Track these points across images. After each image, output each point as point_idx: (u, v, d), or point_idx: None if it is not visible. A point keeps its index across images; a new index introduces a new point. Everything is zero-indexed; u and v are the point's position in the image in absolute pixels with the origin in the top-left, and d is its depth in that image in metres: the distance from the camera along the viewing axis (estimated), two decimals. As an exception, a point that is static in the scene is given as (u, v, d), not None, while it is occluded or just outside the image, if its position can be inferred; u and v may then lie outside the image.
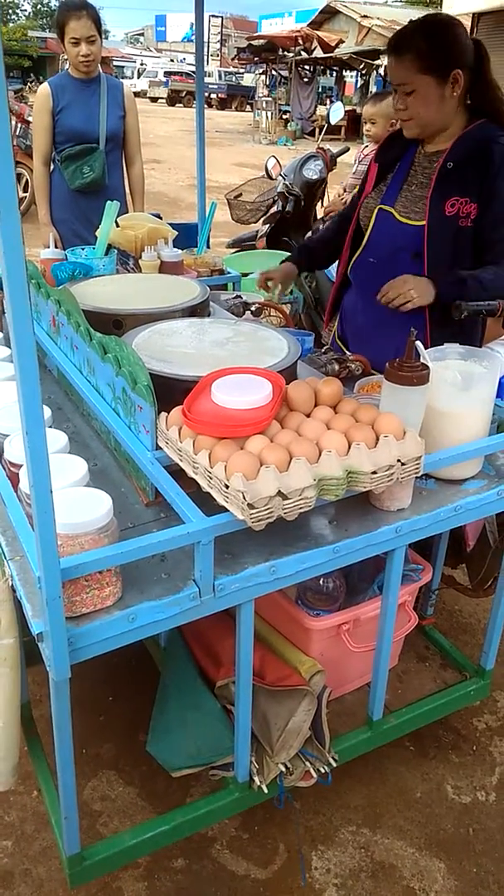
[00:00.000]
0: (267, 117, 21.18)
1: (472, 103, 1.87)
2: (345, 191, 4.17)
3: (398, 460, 1.31)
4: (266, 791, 1.57)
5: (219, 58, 42.52)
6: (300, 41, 20.82)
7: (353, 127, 18.03)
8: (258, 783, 1.56)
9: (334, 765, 1.64)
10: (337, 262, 2.26)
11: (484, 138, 1.81)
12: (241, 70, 34.01)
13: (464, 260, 1.84)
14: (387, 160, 2.01)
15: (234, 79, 33.85)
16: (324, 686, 1.59)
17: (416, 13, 18.83)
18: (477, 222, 1.81)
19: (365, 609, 1.71)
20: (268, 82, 24.37)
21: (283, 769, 1.58)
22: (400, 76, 1.79)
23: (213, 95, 30.74)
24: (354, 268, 2.07)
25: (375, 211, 1.97)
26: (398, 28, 1.95)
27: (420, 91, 1.78)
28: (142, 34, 64.44)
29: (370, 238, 2.00)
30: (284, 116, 21.98)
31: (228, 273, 2.70)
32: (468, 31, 1.97)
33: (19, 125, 7.72)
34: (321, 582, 1.69)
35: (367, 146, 3.86)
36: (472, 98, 1.86)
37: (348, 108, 16.32)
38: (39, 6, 46.71)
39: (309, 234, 4.03)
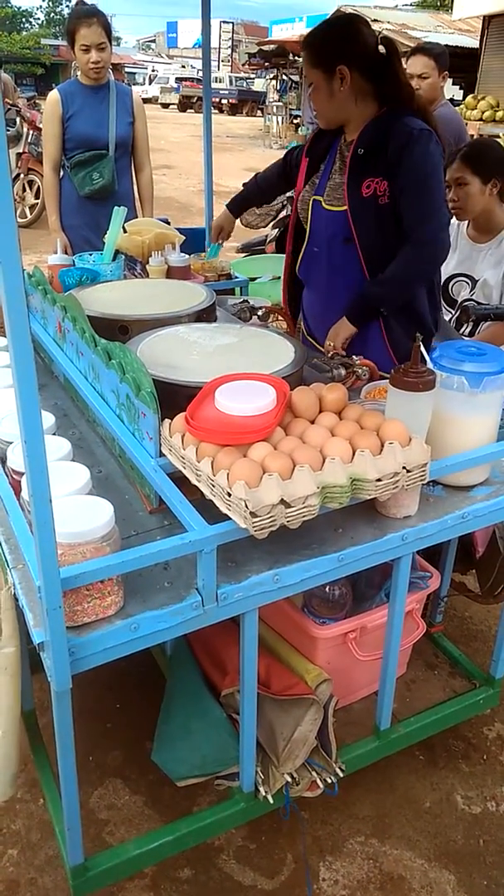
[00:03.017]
0: (277, 122, 21.20)
1: (384, 93, 1.93)
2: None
3: (403, 467, 1.29)
4: (272, 801, 1.56)
5: (230, 63, 42.60)
6: (311, 46, 20.78)
7: (363, 131, 17.97)
8: (263, 793, 1.55)
9: (341, 775, 1.62)
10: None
11: (388, 120, 1.89)
12: (252, 75, 34.05)
13: (391, 235, 1.92)
14: (316, 154, 2.09)
15: (244, 84, 33.90)
16: (330, 695, 1.58)
17: (426, 17, 18.80)
18: (391, 198, 1.89)
19: (372, 617, 1.69)
20: (278, 87, 24.38)
21: (289, 779, 1.56)
22: (305, 70, 1.95)
23: (224, 101, 30.78)
24: (303, 260, 2.14)
25: (311, 202, 2.06)
26: (409, 32, 2.02)
27: (315, 84, 1.90)
28: (153, 41, 64.76)
29: (310, 229, 2.08)
30: (295, 121, 21.95)
31: (236, 277, 2.69)
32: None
33: (31, 132, 7.76)
34: (327, 589, 1.68)
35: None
36: (383, 89, 1.92)
37: (359, 111, 16.25)
38: (52, 14, 47.11)
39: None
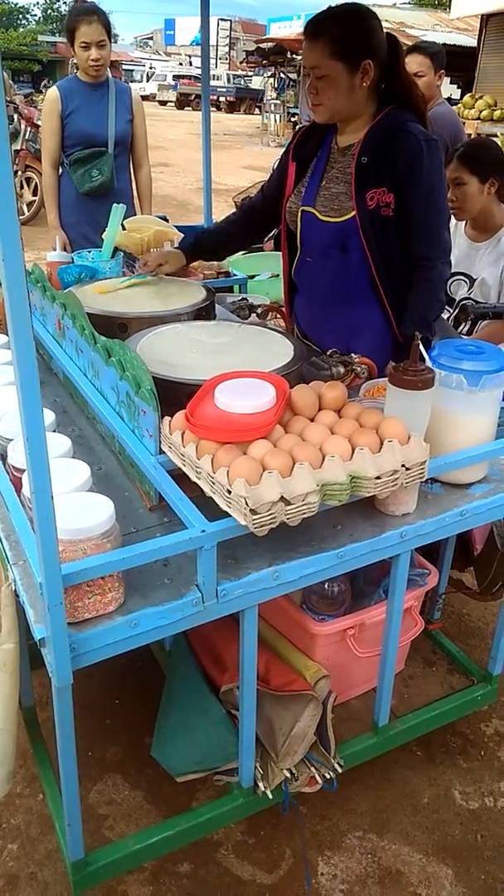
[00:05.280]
0: (275, 120, 21.20)
1: (385, 91, 1.87)
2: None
3: (402, 465, 1.30)
4: (271, 797, 1.56)
5: (227, 61, 42.50)
6: (309, 43, 20.71)
7: (361, 128, 17.94)
8: (262, 789, 1.55)
9: (340, 770, 1.63)
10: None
11: (392, 125, 1.82)
12: (250, 73, 34.01)
13: (393, 248, 1.87)
14: (304, 156, 2.01)
15: (242, 82, 33.84)
16: (329, 691, 1.58)
17: (424, 15, 18.78)
18: (398, 212, 1.83)
19: (370, 614, 1.70)
20: (276, 85, 24.35)
21: (288, 775, 1.57)
22: (312, 60, 1.79)
23: (222, 98, 30.75)
24: (297, 269, 2.08)
25: (300, 214, 1.98)
26: (406, 30, 1.97)
27: (330, 77, 1.79)
28: (151, 38, 64.57)
29: (302, 240, 2.01)
30: (293, 119, 21.95)
31: (235, 275, 2.70)
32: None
33: (29, 129, 7.75)
34: (326, 586, 1.68)
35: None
36: (385, 87, 1.87)
37: (357, 109, 16.21)
38: (49, 11, 46.98)
39: None
